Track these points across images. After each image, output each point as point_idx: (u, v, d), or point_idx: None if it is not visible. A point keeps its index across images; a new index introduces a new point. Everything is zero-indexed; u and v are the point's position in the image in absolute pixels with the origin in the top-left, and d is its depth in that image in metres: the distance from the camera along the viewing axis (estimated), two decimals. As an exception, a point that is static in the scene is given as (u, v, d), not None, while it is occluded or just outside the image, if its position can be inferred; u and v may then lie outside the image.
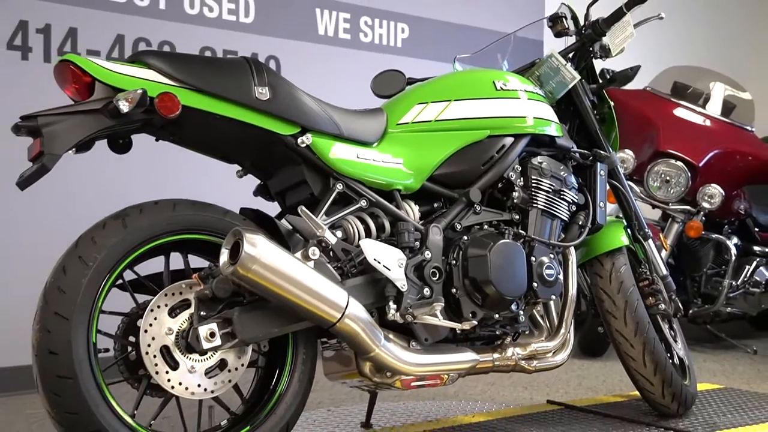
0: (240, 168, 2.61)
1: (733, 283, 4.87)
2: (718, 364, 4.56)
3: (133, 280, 2.31)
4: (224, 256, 2.17)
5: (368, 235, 2.49)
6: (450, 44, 5.01)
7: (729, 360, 4.73)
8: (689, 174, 4.78)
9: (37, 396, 2.10)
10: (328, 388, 3.69)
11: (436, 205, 2.67)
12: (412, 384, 2.52)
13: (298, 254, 2.26)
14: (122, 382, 2.25)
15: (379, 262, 2.38)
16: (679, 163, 4.80)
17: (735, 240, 5.00)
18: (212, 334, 2.19)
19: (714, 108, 5.09)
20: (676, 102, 5.08)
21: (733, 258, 4.85)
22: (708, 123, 5.03)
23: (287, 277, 2.17)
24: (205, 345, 2.18)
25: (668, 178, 4.82)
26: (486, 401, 3.34)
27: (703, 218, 4.81)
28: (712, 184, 4.77)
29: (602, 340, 4.72)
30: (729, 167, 4.92)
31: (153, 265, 2.35)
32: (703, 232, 4.77)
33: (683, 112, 5.04)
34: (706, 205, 4.77)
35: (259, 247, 2.13)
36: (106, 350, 2.23)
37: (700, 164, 4.81)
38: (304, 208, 2.31)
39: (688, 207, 4.83)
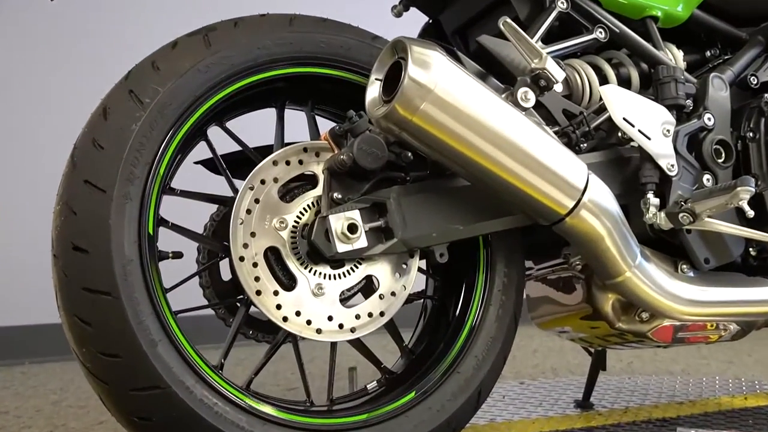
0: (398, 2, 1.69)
1: None
2: None
3: (231, 155, 1.41)
4: (374, 88, 1.25)
5: (606, 88, 1.50)
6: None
7: None
8: None
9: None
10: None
11: (709, 53, 1.67)
12: (678, 335, 1.53)
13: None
14: (204, 309, 1.35)
15: (633, 125, 1.41)
16: None
17: None
18: (352, 228, 1.26)
19: None
20: None
21: None
22: None
23: (484, 127, 1.22)
24: (341, 247, 1.26)
25: None
26: (738, 381, 2.28)
27: None
28: None
29: None
30: None
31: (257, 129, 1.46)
32: None
33: None
34: None
35: (434, 67, 1.20)
36: (176, 255, 1.33)
37: None
38: (508, 20, 1.35)
39: None
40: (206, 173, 1.46)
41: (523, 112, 1.31)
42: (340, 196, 1.30)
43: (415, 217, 1.30)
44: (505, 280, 1.42)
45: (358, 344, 1.40)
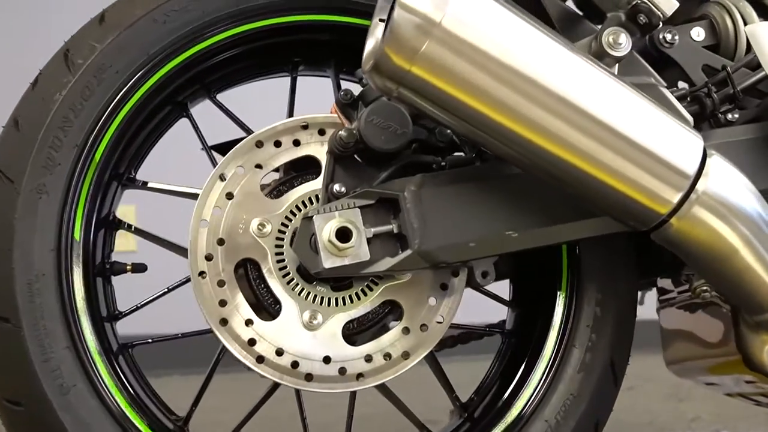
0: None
1: None
2: None
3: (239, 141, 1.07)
4: (377, 33, 0.86)
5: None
6: None
7: None
8: None
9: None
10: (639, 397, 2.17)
11: None
12: None
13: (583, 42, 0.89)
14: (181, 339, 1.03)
15: (802, 82, 0.93)
16: None
17: None
18: (343, 235, 0.88)
19: None
20: None
21: None
22: None
23: (524, 79, 0.81)
24: (329, 261, 0.89)
25: None
26: None
27: None
28: None
29: None
30: None
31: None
32: None
33: None
34: None
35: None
36: (138, 269, 1.01)
37: None
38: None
39: None
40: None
41: (596, 62, 0.87)
42: (343, 190, 0.92)
43: (443, 219, 0.89)
44: (598, 310, 0.98)
45: (386, 392, 1.01)
